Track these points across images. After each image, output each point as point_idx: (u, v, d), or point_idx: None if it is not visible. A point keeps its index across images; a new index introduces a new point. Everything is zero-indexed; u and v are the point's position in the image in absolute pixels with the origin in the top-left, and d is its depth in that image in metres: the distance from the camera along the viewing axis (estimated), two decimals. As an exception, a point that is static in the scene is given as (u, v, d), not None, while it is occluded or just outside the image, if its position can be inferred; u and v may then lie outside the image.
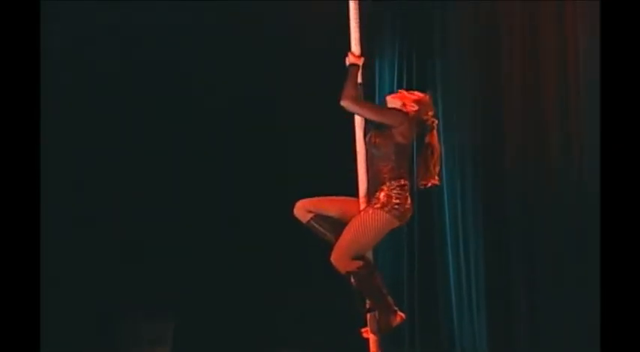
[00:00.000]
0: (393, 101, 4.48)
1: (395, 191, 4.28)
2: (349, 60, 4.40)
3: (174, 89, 6.97)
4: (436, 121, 4.50)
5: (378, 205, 4.27)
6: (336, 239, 4.34)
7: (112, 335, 6.68)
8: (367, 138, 4.41)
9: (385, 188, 4.29)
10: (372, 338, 4.40)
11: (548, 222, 6.07)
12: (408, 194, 4.34)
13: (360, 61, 4.41)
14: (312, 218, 4.46)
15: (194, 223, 6.93)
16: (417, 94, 4.53)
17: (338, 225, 4.40)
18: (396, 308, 4.34)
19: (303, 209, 4.48)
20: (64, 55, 6.57)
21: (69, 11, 6.46)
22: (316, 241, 4.51)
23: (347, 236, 4.28)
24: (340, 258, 4.29)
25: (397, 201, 4.27)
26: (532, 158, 6.17)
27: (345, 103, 4.27)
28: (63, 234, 6.51)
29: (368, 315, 4.39)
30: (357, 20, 4.45)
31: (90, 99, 6.82)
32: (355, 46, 4.45)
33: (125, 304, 6.74)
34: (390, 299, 4.34)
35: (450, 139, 6.43)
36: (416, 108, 4.42)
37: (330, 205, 4.46)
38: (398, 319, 4.33)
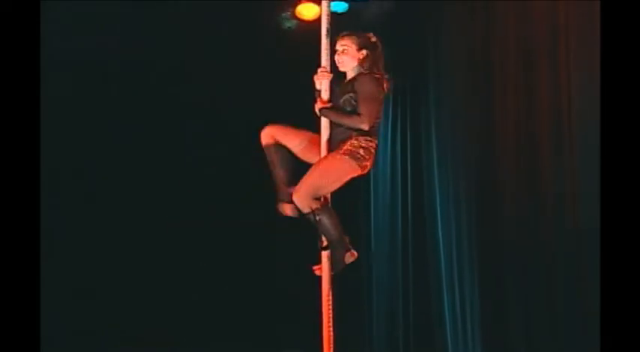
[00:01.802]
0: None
1: (362, 143, 4.37)
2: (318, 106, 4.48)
3: (171, 90, 7.01)
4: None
5: (344, 152, 4.36)
6: (283, 174, 4.52)
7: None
8: (337, 93, 4.46)
9: (353, 140, 4.38)
10: (324, 276, 4.50)
11: (544, 263, 6.04)
12: (373, 151, 4.44)
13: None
14: (272, 144, 4.55)
15: (194, 223, 6.98)
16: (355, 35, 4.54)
17: (289, 160, 4.54)
18: (350, 247, 4.45)
19: (269, 134, 4.56)
20: (64, 56, 6.58)
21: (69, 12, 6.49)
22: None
23: (311, 176, 4.40)
24: (303, 196, 4.38)
25: (362, 152, 4.37)
26: (526, 202, 6.16)
27: (363, 126, 4.37)
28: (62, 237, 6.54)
29: (322, 253, 4.51)
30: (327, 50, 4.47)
31: (89, 102, 6.85)
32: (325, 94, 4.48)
33: (125, 304, 6.76)
34: (345, 237, 4.45)
35: (444, 179, 6.51)
36: (364, 54, 4.49)
37: (295, 136, 4.56)
38: (351, 257, 4.46)
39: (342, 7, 6.92)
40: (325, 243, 4.48)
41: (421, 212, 6.83)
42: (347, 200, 6.66)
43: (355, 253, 4.48)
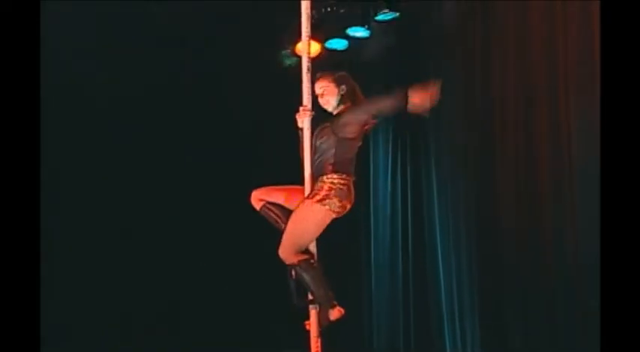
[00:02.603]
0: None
1: (335, 185, 4.33)
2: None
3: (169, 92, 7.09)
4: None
5: (316, 198, 4.32)
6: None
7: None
8: (316, 131, 4.45)
9: (325, 180, 4.35)
10: (312, 331, 4.44)
11: (544, 292, 6.02)
12: (349, 190, 4.38)
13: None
14: (264, 205, 4.55)
15: (193, 223, 7.06)
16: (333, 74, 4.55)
17: (288, 212, 4.48)
18: (335, 303, 4.38)
19: (256, 197, 4.59)
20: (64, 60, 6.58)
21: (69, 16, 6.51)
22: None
23: (288, 229, 4.38)
24: (284, 250, 4.38)
25: (335, 194, 4.31)
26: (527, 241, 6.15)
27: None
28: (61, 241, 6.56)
29: (310, 307, 4.43)
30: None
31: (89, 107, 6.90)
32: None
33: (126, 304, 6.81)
34: (330, 293, 4.38)
35: (444, 215, 6.54)
36: (344, 89, 4.49)
37: (278, 194, 4.54)
38: (337, 313, 4.38)
39: (342, 45, 7.02)
40: (311, 298, 4.41)
41: (422, 247, 6.84)
42: (347, 235, 6.77)
43: (342, 310, 4.40)
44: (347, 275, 6.95)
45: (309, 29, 4.51)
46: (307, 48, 4.51)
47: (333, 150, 4.37)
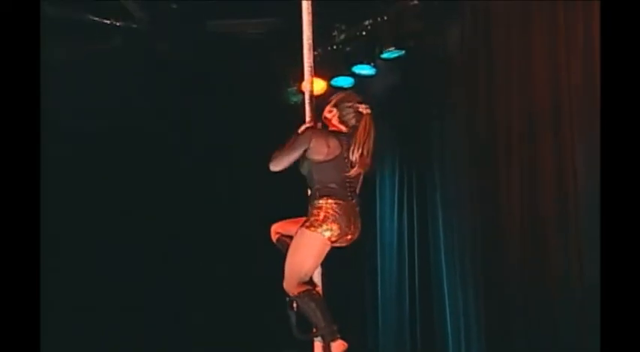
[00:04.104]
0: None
1: (323, 209, 4.25)
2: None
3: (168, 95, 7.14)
4: (362, 106, 4.42)
5: (306, 224, 4.26)
6: None
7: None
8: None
9: (316, 205, 4.28)
10: None
11: (550, 328, 5.94)
12: (345, 214, 4.27)
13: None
14: (278, 237, 4.57)
15: (193, 224, 7.14)
16: (334, 97, 4.51)
17: None
18: (338, 336, 4.28)
19: (274, 231, 4.62)
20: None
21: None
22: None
23: (287, 259, 4.33)
24: (287, 282, 4.33)
25: (328, 220, 4.23)
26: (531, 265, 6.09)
27: (271, 166, 4.30)
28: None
29: (314, 341, 4.38)
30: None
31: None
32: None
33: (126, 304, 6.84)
34: (334, 326, 4.28)
35: (449, 250, 6.53)
36: (334, 112, 4.42)
37: (292, 224, 4.47)
38: (340, 347, 4.27)
39: (347, 82, 7.07)
40: (315, 330, 4.31)
41: (428, 281, 6.83)
42: (354, 269, 6.77)
43: (345, 343, 4.29)
44: (353, 309, 6.94)
45: (311, 60, 4.53)
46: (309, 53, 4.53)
47: (313, 175, 4.30)
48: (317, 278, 4.45)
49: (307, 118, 4.50)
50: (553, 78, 6.01)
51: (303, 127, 4.40)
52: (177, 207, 7.20)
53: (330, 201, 4.25)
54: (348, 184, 4.34)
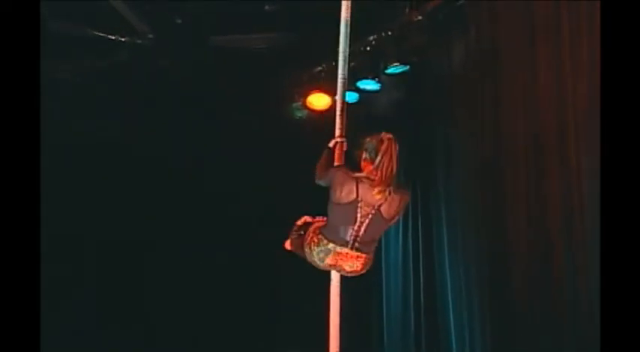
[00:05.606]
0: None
1: (315, 237, 4.35)
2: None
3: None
4: (382, 134, 4.41)
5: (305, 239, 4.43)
6: None
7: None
8: None
9: (311, 229, 4.41)
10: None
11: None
12: (326, 248, 4.32)
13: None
14: (304, 222, 4.65)
15: (195, 225, 7.18)
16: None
17: None
18: None
19: (289, 244, 4.73)
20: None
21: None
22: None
23: None
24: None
25: (310, 245, 4.35)
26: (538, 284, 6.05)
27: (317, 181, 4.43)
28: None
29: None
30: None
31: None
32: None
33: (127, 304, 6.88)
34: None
35: (455, 272, 6.50)
36: (363, 155, 4.38)
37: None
38: None
39: (352, 98, 7.05)
40: None
41: (433, 298, 6.80)
42: (359, 289, 6.74)
43: None
44: (359, 326, 6.91)
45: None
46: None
47: (327, 207, 4.36)
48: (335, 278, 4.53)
49: (337, 131, 4.53)
50: (559, 92, 5.99)
51: (332, 142, 4.51)
52: (177, 210, 7.26)
53: (320, 237, 4.35)
54: (352, 232, 4.32)
